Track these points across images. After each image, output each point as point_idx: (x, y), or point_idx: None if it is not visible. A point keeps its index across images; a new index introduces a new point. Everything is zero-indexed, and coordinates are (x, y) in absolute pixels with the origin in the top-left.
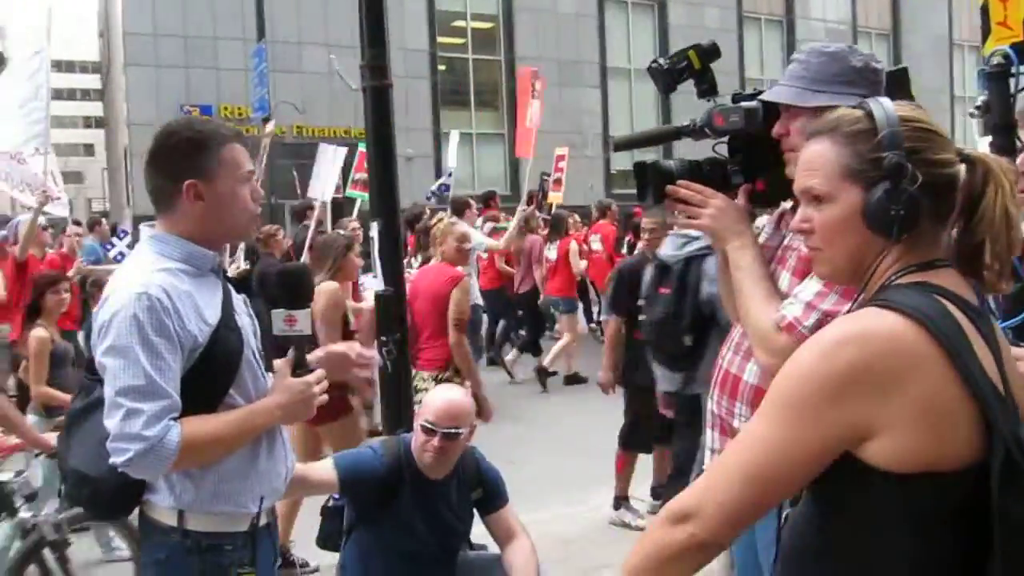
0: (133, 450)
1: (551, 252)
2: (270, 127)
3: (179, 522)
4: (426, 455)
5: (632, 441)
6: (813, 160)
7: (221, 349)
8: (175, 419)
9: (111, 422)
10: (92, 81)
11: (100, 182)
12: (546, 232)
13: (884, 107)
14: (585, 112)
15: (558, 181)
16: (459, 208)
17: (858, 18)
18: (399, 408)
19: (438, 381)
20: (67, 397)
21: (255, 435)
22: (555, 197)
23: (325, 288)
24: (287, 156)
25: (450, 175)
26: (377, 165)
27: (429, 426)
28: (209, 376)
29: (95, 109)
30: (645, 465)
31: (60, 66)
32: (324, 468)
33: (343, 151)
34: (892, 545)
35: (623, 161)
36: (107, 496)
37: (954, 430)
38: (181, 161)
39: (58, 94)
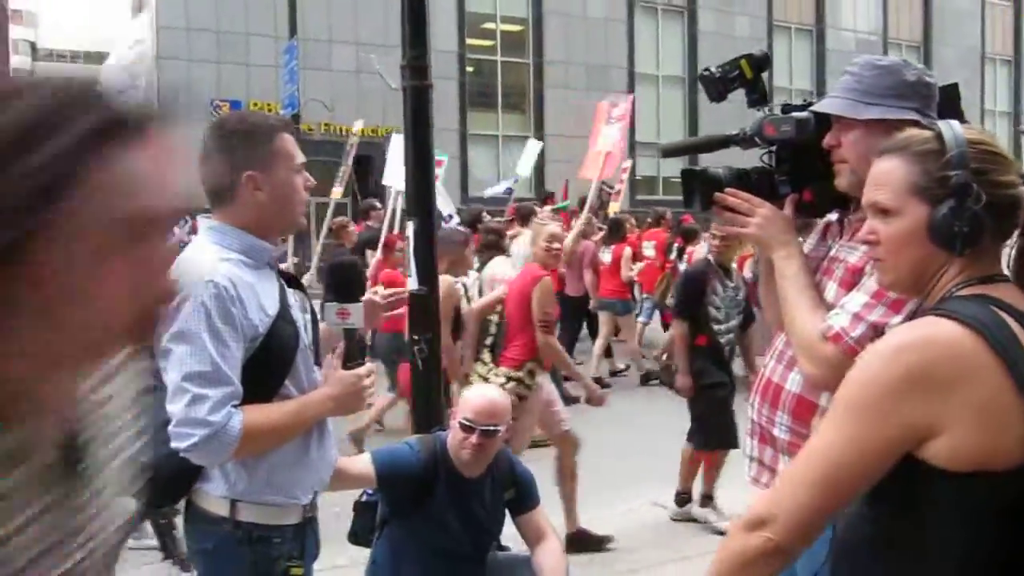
0: (198, 435)
1: (606, 255)
2: (357, 126)
3: (231, 512)
4: (464, 452)
5: (702, 440)
6: (882, 176)
7: (278, 340)
8: (236, 406)
9: (175, 407)
10: None
11: None
12: (600, 236)
13: (954, 129)
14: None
15: (618, 192)
16: (525, 214)
17: (889, 29)
18: (428, 406)
19: (510, 379)
20: None
21: (308, 426)
22: (614, 207)
23: (441, 280)
24: (315, 153)
25: (516, 181)
26: (414, 165)
27: (468, 423)
28: (267, 366)
29: None
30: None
31: (91, 57)
32: (362, 462)
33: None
34: (944, 538)
35: (647, 167)
36: (162, 483)
37: (1007, 432)
38: (239, 153)
39: None
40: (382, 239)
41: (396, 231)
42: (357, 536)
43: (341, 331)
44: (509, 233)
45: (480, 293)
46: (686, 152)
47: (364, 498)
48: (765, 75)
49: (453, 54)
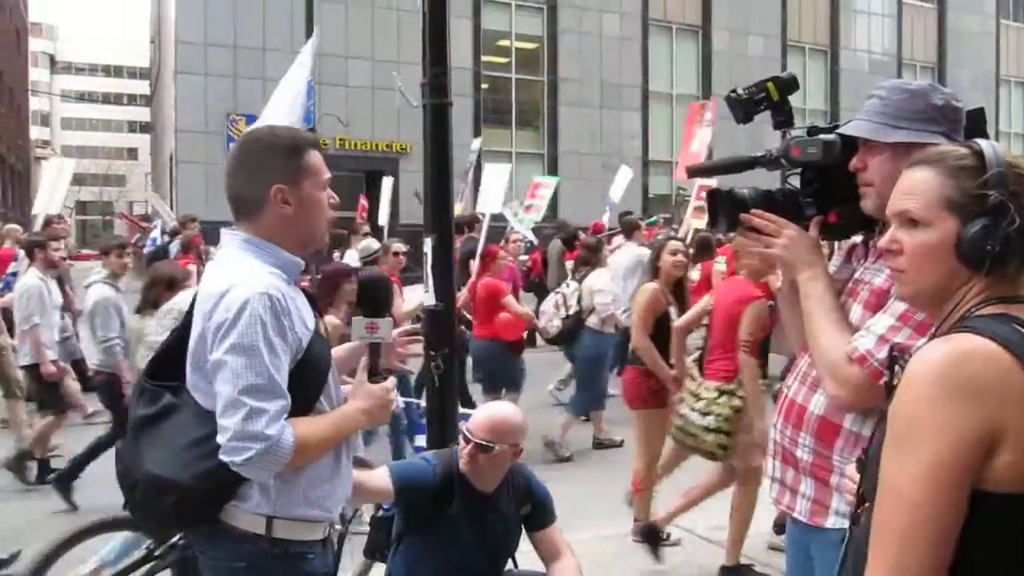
0: (255, 449)
1: (694, 273)
2: (476, 144)
3: (267, 530)
4: (461, 461)
5: None
6: (915, 186)
7: (316, 355)
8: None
9: (230, 420)
10: (140, 87)
11: (142, 186)
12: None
13: (995, 149)
14: (626, 135)
15: (700, 208)
16: (629, 229)
17: (903, 50)
18: (444, 422)
19: (722, 393)
20: None
21: (344, 438)
22: (697, 223)
23: (644, 288)
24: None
25: (609, 206)
26: (433, 181)
27: (466, 433)
28: (306, 381)
29: (141, 114)
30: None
31: (109, 71)
32: (380, 476)
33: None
34: (972, 561)
35: (660, 185)
36: (194, 503)
37: None
38: (268, 166)
39: (105, 98)
40: (479, 250)
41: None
42: (374, 551)
43: (367, 345)
44: (610, 247)
45: (579, 302)
46: (712, 173)
47: (381, 513)
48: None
49: (468, 71)
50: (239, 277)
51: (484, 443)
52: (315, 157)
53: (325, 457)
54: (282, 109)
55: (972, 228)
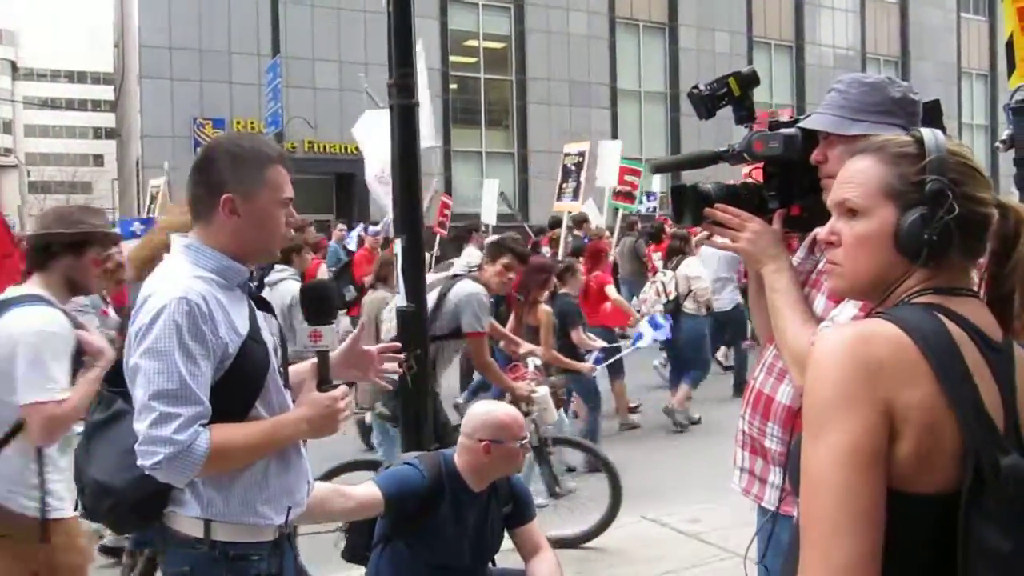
0: (163, 453)
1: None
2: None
3: (205, 533)
4: (514, 464)
5: None
6: (854, 175)
7: (250, 361)
8: (204, 425)
9: (141, 425)
10: (104, 92)
11: (109, 192)
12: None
13: (936, 136)
14: (595, 133)
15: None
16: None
17: (867, 44)
18: (418, 423)
19: None
20: None
21: (281, 447)
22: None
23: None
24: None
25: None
26: (402, 183)
27: (514, 442)
28: (238, 387)
29: (106, 120)
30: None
31: (72, 76)
32: (367, 491)
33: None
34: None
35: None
36: (129, 507)
37: (936, 448)
38: (222, 175)
39: (69, 104)
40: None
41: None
42: (353, 554)
43: (315, 354)
44: (696, 238)
45: (676, 288)
46: (676, 168)
47: None
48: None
49: (436, 71)
50: (162, 283)
51: (522, 441)
52: (277, 172)
53: (261, 463)
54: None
55: (910, 216)
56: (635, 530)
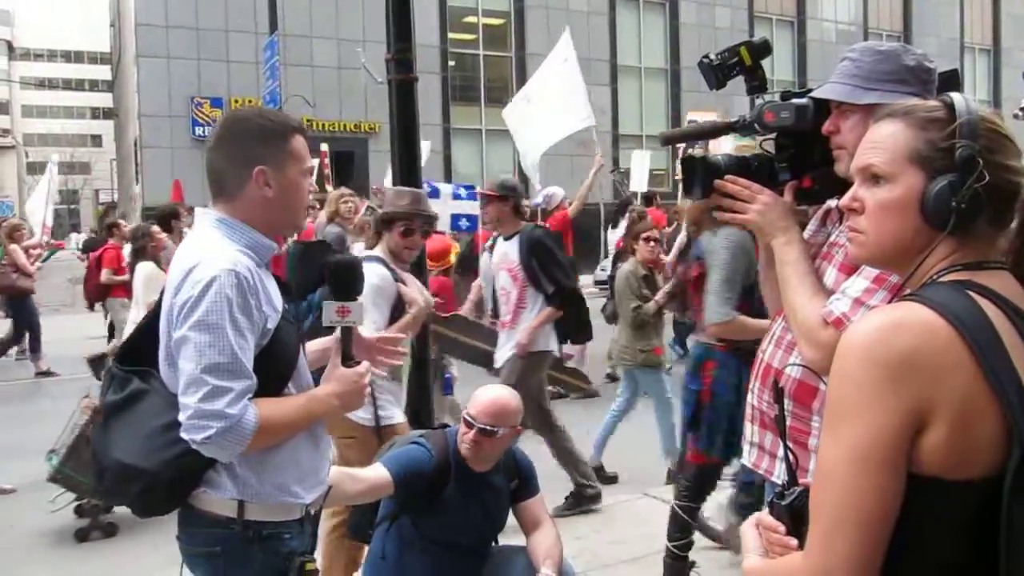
0: (215, 427)
1: None
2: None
3: (239, 513)
4: (463, 446)
5: None
6: (880, 140)
7: (285, 338)
8: (251, 400)
9: (191, 398)
10: (101, 72)
11: (108, 173)
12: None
13: (967, 101)
14: (595, 109)
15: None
16: None
17: (869, 19)
18: (421, 405)
19: None
20: None
21: (314, 422)
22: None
23: None
24: None
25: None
26: (401, 159)
27: (469, 419)
28: (274, 363)
29: (103, 100)
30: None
31: (69, 56)
32: (375, 472)
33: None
34: (900, 551)
35: (630, 160)
36: (162, 489)
37: (979, 436)
38: (252, 148)
39: (67, 84)
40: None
41: None
42: (356, 531)
43: (340, 329)
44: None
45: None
46: (687, 139)
47: None
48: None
49: (435, 48)
50: (207, 254)
51: (486, 428)
52: (300, 143)
53: (294, 442)
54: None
55: (939, 183)
56: (636, 506)
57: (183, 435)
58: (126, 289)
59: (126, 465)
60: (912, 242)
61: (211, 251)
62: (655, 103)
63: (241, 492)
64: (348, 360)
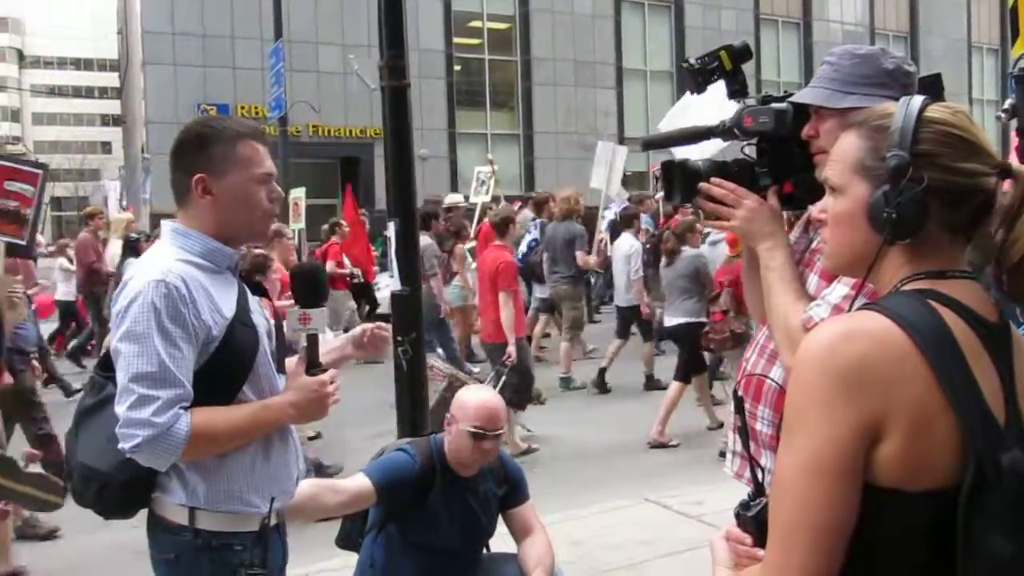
0: (142, 436)
1: None
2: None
3: (190, 521)
4: (476, 456)
5: None
6: (836, 151)
7: (236, 344)
8: (186, 408)
9: (121, 407)
10: (110, 79)
11: (117, 180)
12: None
13: (908, 105)
14: (601, 113)
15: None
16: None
17: (876, 20)
18: (413, 407)
19: None
20: None
21: (266, 431)
22: None
23: None
24: (303, 155)
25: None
26: (394, 165)
27: (480, 431)
28: (224, 370)
29: (112, 107)
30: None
31: (78, 64)
32: (358, 483)
33: (623, 150)
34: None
35: (637, 163)
36: (115, 491)
37: (935, 446)
38: (192, 155)
39: (76, 92)
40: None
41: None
42: (346, 541)
43: (304, 337)
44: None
45: None
46: (667, 144)
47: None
48: (750, 67)
49: (440, 53)
50: (143, 266)
51: (498, 433)
52: (250, 147)
53: (248, 450)
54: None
55: (875, 193)
56: (635, 512)
57: (119, 444)
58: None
59: (86, 467)
60: (864, 252)
61: (148, 263)
62: (660, 106)
63: (190, 499)
64: (313, 368)
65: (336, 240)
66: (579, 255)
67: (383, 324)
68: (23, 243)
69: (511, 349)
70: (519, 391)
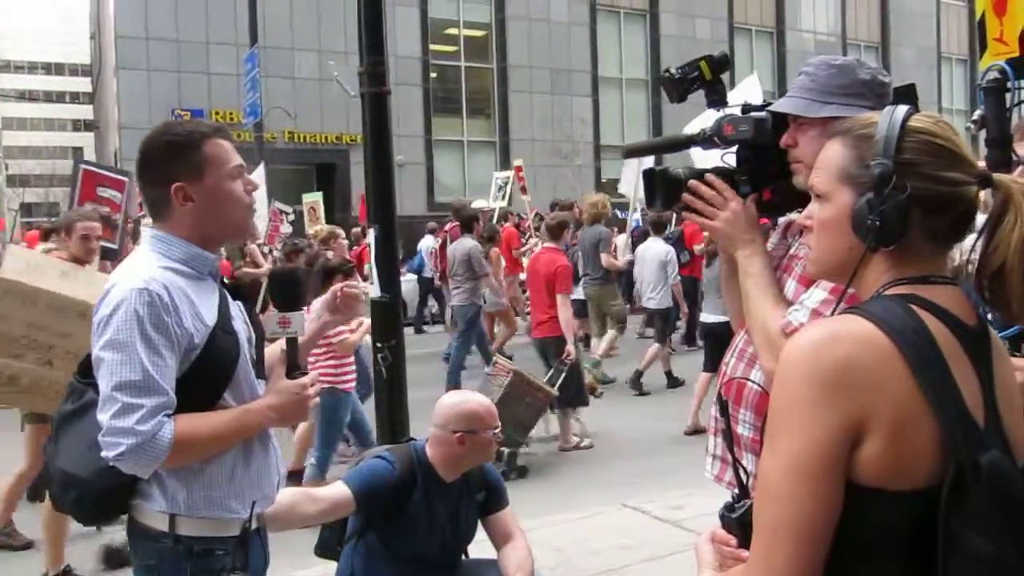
0: (125, 444)
1: None
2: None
3: (170, 527)
4: (487, 453)
5: None
6: (822, 159)
7: (217, 351)
8: (169, 416)
9: (104, 416)
10: (82, 84)
11: None
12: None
13: (892, 115)
14: (576, 121)
15: None
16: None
17: (848, 30)
18: (392, 414)
19: None
20: None
21: (248, 435)
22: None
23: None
24: (279, 161)
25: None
26: (374, 172)
27: (487, 432)
28: (205, 378)
29: (84, 112)
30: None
31: (50, 68)
32: (337, 491)
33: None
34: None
35: (613, 170)
36: (94, 498)
37: (919, 442)
38: (165, 166)
39: (47, 96)
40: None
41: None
42: (324, 549)
43: (284, 340)
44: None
45: None
46: (647, 152)
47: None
48: (724, 76)
49: (417, 60)
50: (124, 274)
51: (494, 430)
52: (216, 146)
53: (228, 456)
54: None
55: (859, 201)
56: (615, 518)
57: (102, 452)
58: None
59: (66, 472)
60: (849, 258)
61: (129, 271)
62: (636, 114)
63: (171, 505)
64: (293, 371)
65: (367, 242)
66: (603, 257)
67: (351, 283)
68: (115, 247)
69: (570, 347)
70: (578, 389)
